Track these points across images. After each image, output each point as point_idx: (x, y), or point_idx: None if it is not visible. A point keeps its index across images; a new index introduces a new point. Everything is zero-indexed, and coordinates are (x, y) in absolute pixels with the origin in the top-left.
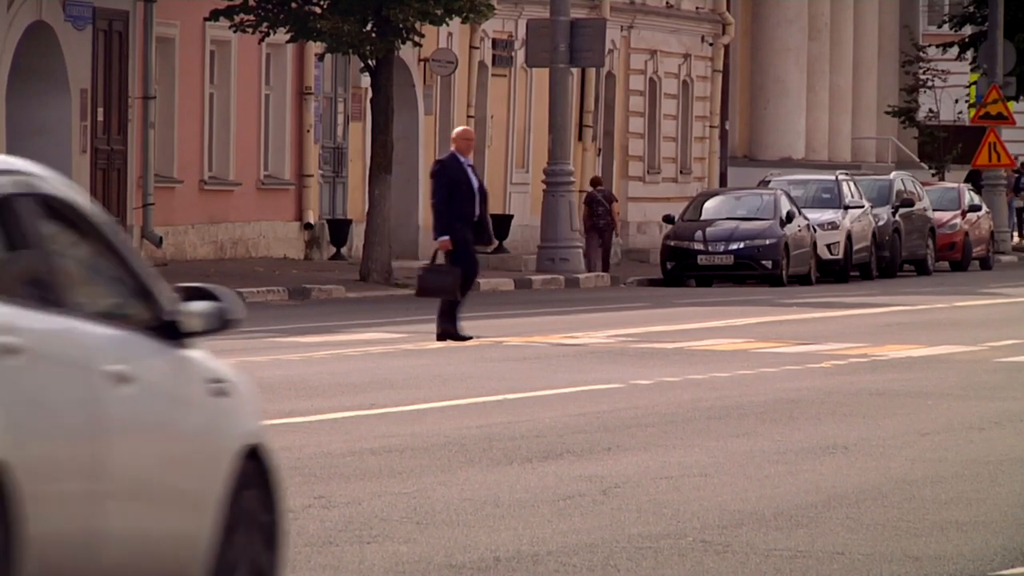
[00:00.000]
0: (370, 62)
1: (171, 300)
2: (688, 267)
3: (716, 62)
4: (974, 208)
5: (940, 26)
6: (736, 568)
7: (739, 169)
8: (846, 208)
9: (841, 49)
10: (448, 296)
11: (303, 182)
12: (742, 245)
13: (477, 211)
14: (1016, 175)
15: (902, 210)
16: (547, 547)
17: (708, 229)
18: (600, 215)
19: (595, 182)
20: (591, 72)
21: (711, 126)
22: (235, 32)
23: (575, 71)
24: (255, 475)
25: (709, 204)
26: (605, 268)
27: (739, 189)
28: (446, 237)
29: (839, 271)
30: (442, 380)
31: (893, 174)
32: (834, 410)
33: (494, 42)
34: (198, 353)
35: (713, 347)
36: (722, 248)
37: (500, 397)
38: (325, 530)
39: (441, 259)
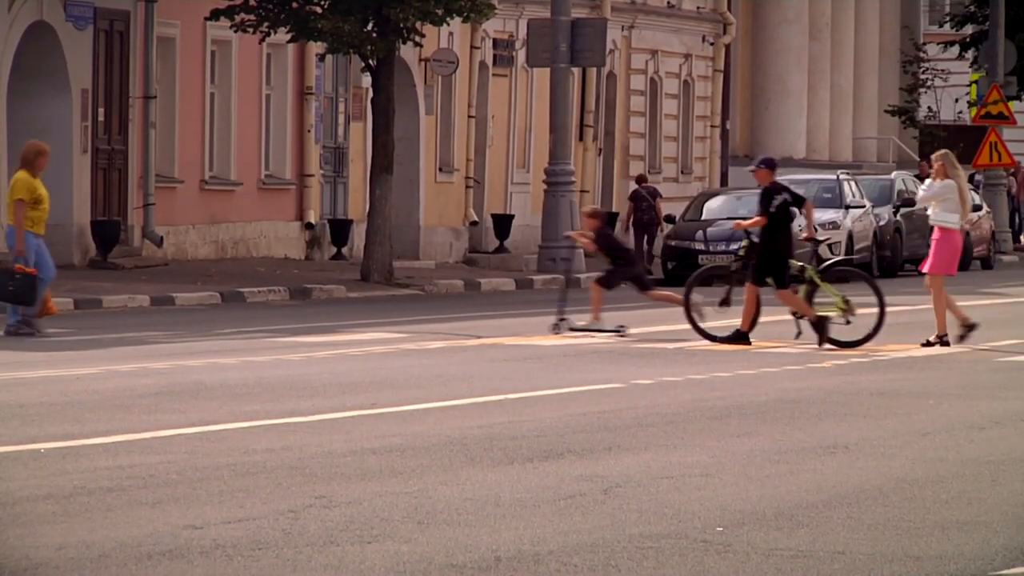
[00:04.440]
0: (371, 62)
1: None
2: (689, 267)
3: (717, 62)
4: (975, 208)
5: (941, 25)
6: (737, 568)
7: (740, 169)
8: (847, 208)
9: (842, 49)
10: None
11: (304, 182)
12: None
13: None
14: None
15: (903, 210)
16: (548, 547)
17: (709, 229)
18: (644, 211)
19: (640, 179)
20: (592, 72)
21: (712, 126)
22: (236, 32)
23: (576, 71)
24: None
25: (710, 204)
26: (650, 262)
27: (740, 189)
28: None
29: None
30: (443, 380)
31: (894, 174)
32: (835, 410)
33: (495, 42)
34: None
35: (714, 347)
36: (723, 248)
37: (501, 397)
38: (326, 530)
39: None
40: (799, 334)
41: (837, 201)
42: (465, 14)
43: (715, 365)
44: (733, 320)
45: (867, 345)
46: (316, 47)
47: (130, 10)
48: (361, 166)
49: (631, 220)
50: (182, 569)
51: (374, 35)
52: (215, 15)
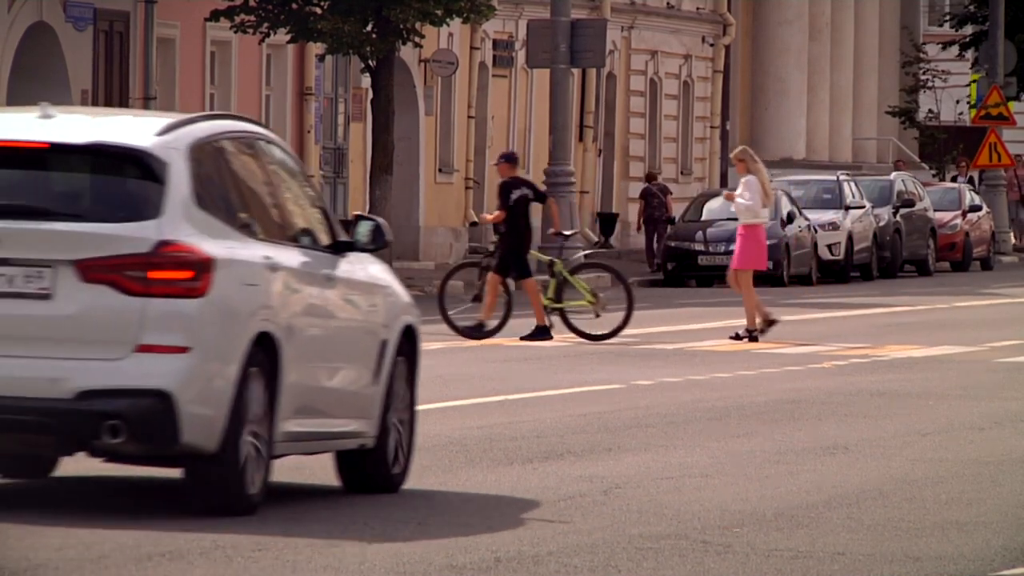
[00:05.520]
0: (370, 63)
1: None
2: (689, 268)
3: (717, 62)
4: (975, 208)
5: (941, 25)
6: (737, 568)
7: None
8: (847, 208)
9: (842, 49)
10: None
11: None
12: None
13: None
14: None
15: (903, 210)
16: (548, 547)
17: (709, 230)
18: (655, 207)
19: (650, 177)
20: (592, 73)
21: (712, 126)
22: (235, 33)
23: (576, 72)
24: None
25: (710, 205)
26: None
27: None
28: None
29: (840, 271)
30: (443, 380)
31: (894, 174)
32: (835, 410)
33: (495, 43)
34: None
35: (714, 348)
36: (723, 249)
37: (501, 398)
38: (326, 530)
39: None
40: (551, 326)
41: (837, 202)
42: (465, 15)
43: (715, 366)
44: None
45: (867, 347)
46: (316, 48)
47: (130, 11)
48: (361, 167)
49: (643, 217)
50: (182, 570)
51: (374, 36)
52: (215, 16)
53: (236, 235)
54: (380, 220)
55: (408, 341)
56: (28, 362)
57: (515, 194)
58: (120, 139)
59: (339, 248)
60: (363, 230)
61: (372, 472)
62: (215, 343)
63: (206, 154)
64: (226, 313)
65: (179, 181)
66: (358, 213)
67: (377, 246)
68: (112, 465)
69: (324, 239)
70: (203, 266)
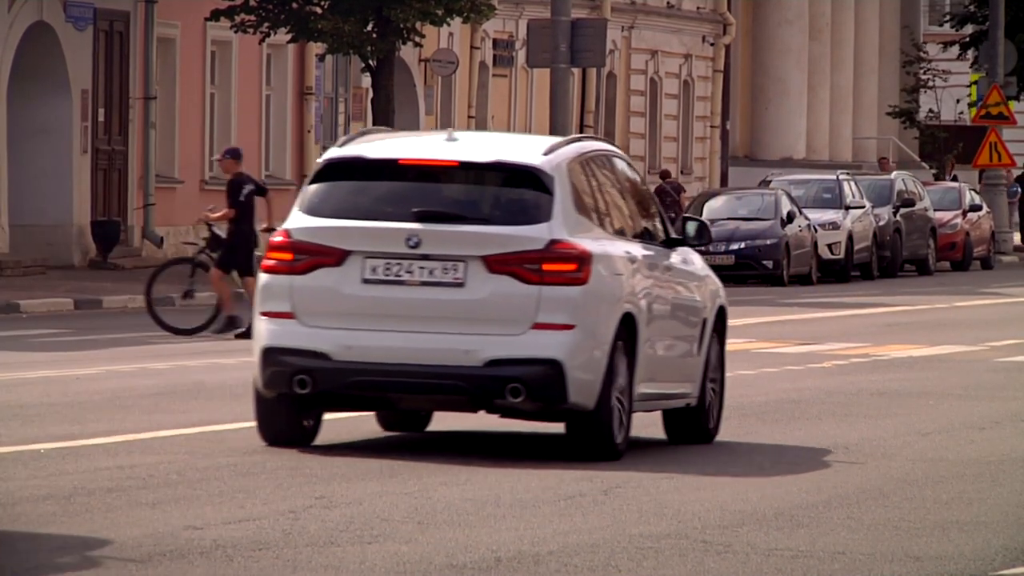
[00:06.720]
0: (371, 62)
1: None
2: None
3: (717, 62)
4: (975, 208)
5: (941, 25)
6: (737, 568)
7: (740, 169)
8: (847, 208)
9: (842, 49)
10: None
11: (304, 182)
12: (743, 245)
13: None
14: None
15: (903, 210)
16: (548, 547)
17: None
18: (668, 206)
19: (664, 175)
20: (592, 72)
21: (712, 126)
22: (236, 32)
23: (576, 71)
24: None
25: (710, 204)
26: None
27: (740, 189)
28: None
29: (840, 271)
30: None
31: (894, 174)
32: (835, 410)
33: (495, 42)
34: None
35: None
36: (723, 248)
37: None
38: (326, 530)
39: None
40: (211, 322)
41: (837, 201)
42: (465, 14)
43: None
44: None
45: (868, 346)
46: (316, 47)
47: (130, 11)
48: None
49: None
50: (182, 570)
51: (374, 35)
52: (215, 15)
53: (603, 234)
54: (705, 220)
55: (719, 320)
56: (446, 337)
57: (245, 190)
58: (516, 158)
59: (671, 244)
60: (691, 229)
61: (693, 427)
62: (594, 322)
63: (578, 169)
64: (601, 297)
65: (562, 191)
66: (686, 215)
67: (702, 242)
68: (113, 462)
69: (660, 236)
70: (584, 260)
